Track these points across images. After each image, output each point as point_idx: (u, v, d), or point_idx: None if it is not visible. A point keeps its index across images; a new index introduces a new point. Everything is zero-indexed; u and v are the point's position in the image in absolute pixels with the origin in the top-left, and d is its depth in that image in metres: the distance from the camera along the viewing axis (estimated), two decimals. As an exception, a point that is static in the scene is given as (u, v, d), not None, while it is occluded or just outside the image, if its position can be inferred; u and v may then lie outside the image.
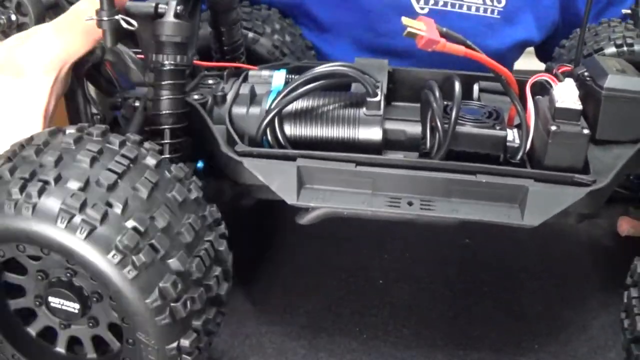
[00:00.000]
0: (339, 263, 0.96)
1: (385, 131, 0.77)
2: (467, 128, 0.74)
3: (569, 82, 0.74)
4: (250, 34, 1.04)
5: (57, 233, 0.61)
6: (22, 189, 0.61)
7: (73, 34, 0.75)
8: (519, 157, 0.75)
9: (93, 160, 0.64)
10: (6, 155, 0.66)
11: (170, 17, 0.72)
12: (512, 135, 0.76)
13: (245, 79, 0.85)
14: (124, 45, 0.80)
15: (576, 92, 0.73)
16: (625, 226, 0.97)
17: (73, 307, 0.68)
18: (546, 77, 0.77)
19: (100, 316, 0.70)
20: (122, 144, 0.67)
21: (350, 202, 0.72)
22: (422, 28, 0.71)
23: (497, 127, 0.75)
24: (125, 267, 0.60)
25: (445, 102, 0.76)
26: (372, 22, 1.20)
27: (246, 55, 0.99)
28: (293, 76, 0.84)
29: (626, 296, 0.71)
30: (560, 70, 0.83)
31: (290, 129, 0.77)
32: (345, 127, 0.76)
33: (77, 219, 0.60)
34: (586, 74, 0.79)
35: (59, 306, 0.69)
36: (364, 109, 0.76)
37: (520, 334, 0.85)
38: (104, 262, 0.61)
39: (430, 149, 0.75)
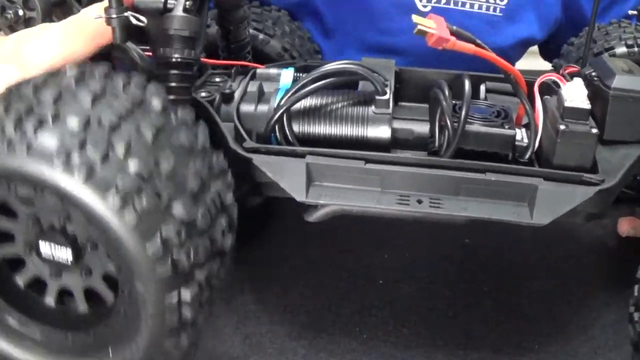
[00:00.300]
0: (339, 263, 0.95)
1: (393, 130, 0.76)
2: (476, 127, 0.74)
3: (578, 82, 0.74)
4: (261, 36, 1.03)
5: (53, 173, 0.56)
6: (17, 125, 0.57)
7: (79, 36, 0.74)
8: (527, 156, 0.75)
9: (95, 99, 0.59)
10: (1, 95, 0.62)
11: (179, 11, 0.71)
12: (520, 134, 0.76)
13: (253, 77, 0.85)
14: (132, 42, 0.80)
15: (585, 92, 0.73)
16: (625, 227, 0.97)
17: (65, 255, 0.65)
18: (554, 77, 0.77)
19: (94, 266, 0.66)
20: (127, 84, 0.63)
21: (359, 200, 0.71)
22: (432, 26, 0.70)
23: (506, 126, 0.75)
24: (125, 211, 0.57)
25: (453, 102, 0.76)
26: (376, 21, 1.20)
27: (255, 56, 0.98)
28: (301, 74, 0.84)
29: (637, 290, 0.70)
30: (567, 71, 0.83)
31: (298, 127, 0.76)
32: (354, 125, 0.75)
33: (75, 159, 0.56)
34: (594, 74, 0.79)
35: (50, 254, 0.65)
36: (373, 107, 0.76)
37: (520, 334, 0.84)
38: (103, 206, 0.56)
39: (439, 147, 0.75)
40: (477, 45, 0.73)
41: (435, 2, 1.17)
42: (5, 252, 0.69)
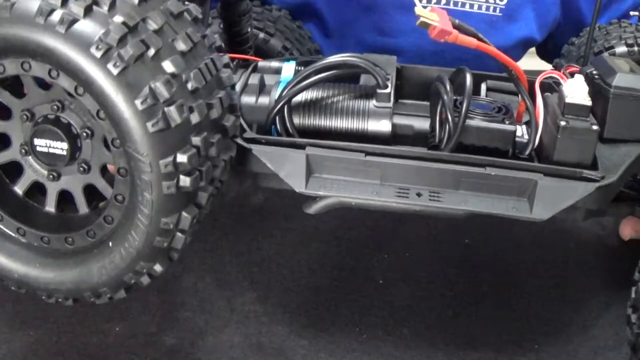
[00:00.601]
0: (339, 263, 0.95)
1: (393, 125, 0.76)
2: (477, 122, 0.74)
3: (579, 79, 0.74)
4: (262, 34, 1.03)
5: (35, 31, 0.56)
6: None
7: None
8: (527, 152, 0.75)
9: None
10: None
11: None
12: (521, 130, 0.76)
13: (254, 70, 0.85)
14: None
15: (586, 88, 0.73)
16: (628, 230, 0.96)
17: (61, 147, 0.63)
18: (555, 74, 0.77)
19: (91, 158, 0.65)
20: None
21: (358, 192, 0.71)
22: (435, 18, 0.70)
23: (507, 122, 0.75)
24: (110, 61, 0.55)
25: (454, 97, 0.75)
26: (377, 22, 1.20)
27: (256, 55, 0.98)
28: (303, 67, 0.84)
29: (634, 291, 0.71)
30: (568, 71, 0.83)
31: (299, 119, 0.76)
32: (355, 119, 0.76)
33: (58, 13, 0.56)
34: (595, 72, 0.79)
35: (46, 149, 0.64)
36: (374, 100, 0.76)
37: (520, 334, 0.84)
38: (85, 58, 0.55)
39: (439, 141, 0.75)
40: (479, 39, 0.73)
41: (435, 3, 1.18)
42: (2, 158, 0.68)
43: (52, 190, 0.69)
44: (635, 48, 0.99)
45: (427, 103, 0.81)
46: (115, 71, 0.56)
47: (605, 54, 0.95)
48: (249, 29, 0.94)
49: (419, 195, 0.71)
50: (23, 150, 0.67)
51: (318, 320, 0.86)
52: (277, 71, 0.84)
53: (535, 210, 0.70)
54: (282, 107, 0.75)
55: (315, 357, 0.81)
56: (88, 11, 0.56)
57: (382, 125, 0.75)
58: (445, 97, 0.74)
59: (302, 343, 0.82)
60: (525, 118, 0.78)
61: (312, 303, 0.88)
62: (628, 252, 0.85)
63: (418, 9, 0.71)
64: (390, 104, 0.76)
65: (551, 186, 0.70)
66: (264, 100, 0.78)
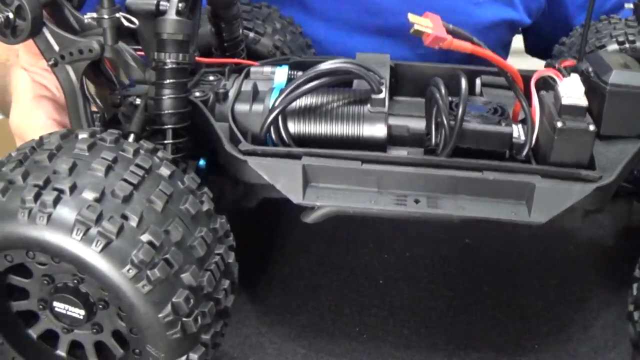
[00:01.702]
0: (339, 263, 0.94)
1: (388, 127, 0.75)
2: (473, 125, 0.73)
3: (575, 78, 0.73)
4: (251, 34, 1.02)
5: (72, 244, 0.59)
6: (37, 196, 0.60)
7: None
8: (524, 153, 0.74)
9: (108, 169, 0.62)
10: (17, 158, 0.64)
11: (172, 15, 0.70)
12: (517, 131, 0.75)
13: (247, 76, 0.84)
14: (124, 43, 0.78)
15: (582, 88, 0.72)
16: None
17: (78, 313, 0.67)
18: (551, 72, 0.76)
19: (104, 323, 0.68)
20: (136, 152, 0.66)
21: (356, 201, 0.71)
22: (428, 25, 0.70)
23: (503, 124, 0.74)
24: (140, 281, 0.60)
25: (450, 99, 0.75)
26: (361, 1, 1.17)
27: (247, 54, 0.97)
28: (296, 72, 0.83)
29: (635, 289, 0.70)
30: (563, 65, 0.83)
31: (293, 127, 0.76)
32: (350, 124, 0.75)
33: (93, 231, 0.59)
34: (590, 69, 0.78)
35: (64, 311, 0.67)
36: (369, 105, 0.75)
37: (520, 334, 0.83)
38: (119, 276, 0.59)
39: (436, 145, 0.74)
40: (474, 43, 0.72)
41: None
42: (19, 307, 0.70)
43: (65, 339, 0.71)
44: (627, 45, 0.97)
45: (421, 100, 0.80)
46: (144, 291, 0.60)
47: (601, 50, 0.94)
48: (240, 32, 0.92)
49: (417, 202, 0.71)
50: (41, 306, 0.68)
51: (318, 320, 0.85)
52: (270, 76, 0.82)
53: (533, 213, 0.70)
54: (277, 116, 0.74)
55: (315, 357, 0.80)
56: (120, 231, 0.59)
57: (378, 130, 0.75)
58: (441, 102, 0.73)
59: (302, 343, 0.81)
60: (521, 116, 0.77)
61: (312, 303, 0.87)
62: (627, 252, 0.85)
63: (411, 16, 0.70)
64: (385, 109, 0.75)
65: (549, 188, 0.70)
66: (257, 107, 0.77)
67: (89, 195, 0.60)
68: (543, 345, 0.82)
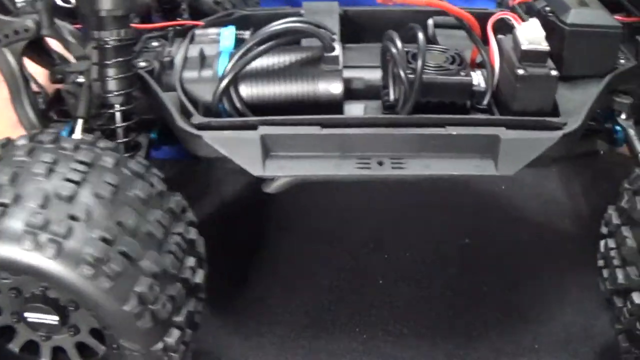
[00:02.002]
0: (339, 263, 0.88)
1: (345, 81, 0.68)
2: (433, 77, 0.66)
3: (534, 22, 0.66)
4: None
5: (24, 255, 0.55)
6: None
7: None
8: (485, 101, 0.67)
9: (49, 172, 0.57)
10: None
11: None
12: (477, 79, 0.68)
13: (192, 40, 0.75)
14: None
15: (542, 33, 0.65)
16: None
17: (52, 319, 0.62)
18: (508, 15, 0.69)
19: (80, 323, 0.64)
20: (77, 147, 0.59)
21: (318, 168, 0.65)
22: None
23: (462, 73, 0.66)
24: (99, 278, 0.55)
25: (406, 49, 0.66)
26: None
27: (189, 13, 0.89)
28: (243, 32, 0.74)
29: (603, 246, 0.66)
30: (517, 1, 0.75)
31: (246, 92, 0.68)
32: (304, 84, 0.68)
33: (43, 238, 0.54)
34: (547, 8, 0.71)
35: (38, 320, 0.63)
36: (322, 64, 0.68)
37: (520, 334, 0.79)
38: (77, 278, 0.55)
39: (395, 100, 0.66)
40: None
41: None
42: None
43: (46, 346, 0.67)
44: None
45: (375, 45, 0.72)
46: (105, 287, 0.56)
47: None
48: None
49: (380, 164, 0.65)
50: (15, 319, 0.65)
51: (318, 320, 0.80)
52: (216, 39, 0.75)
53: (500, 166, 0.64)
54: (229, 84, 0.66)
55: (315, 357, 0.76)
56: (70, 232, 0.55)
57: (334, 88, 0.68)
58: (398, 56, 0.65)
59: (302, 343, 0.77)
60: (479, 59, 0.70)
61: (312, 303, 0.82)
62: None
63: None
64: (340, 66, 0.68)
65: (515, 139, 0.64)
66: (206, 74, 0.70)
67: (33, 202, 0.55)
68: (543, 345, 0.78)
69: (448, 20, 0.76)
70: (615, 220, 0.64)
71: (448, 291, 0.86)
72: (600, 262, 0.66)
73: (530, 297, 0.86)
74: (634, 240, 0.61)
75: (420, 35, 0.65)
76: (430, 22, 0.78)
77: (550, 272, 0.93)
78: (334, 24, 0.72)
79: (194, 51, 0.72)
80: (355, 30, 0.79)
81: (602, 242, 0.66)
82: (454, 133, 0.64)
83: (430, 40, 0.78)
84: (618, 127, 0.76)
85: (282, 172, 0.64)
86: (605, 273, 0.65)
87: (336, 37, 0.68)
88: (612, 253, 0.63)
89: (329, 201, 0.94)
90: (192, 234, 0.64)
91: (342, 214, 0.97)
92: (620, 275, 0.63)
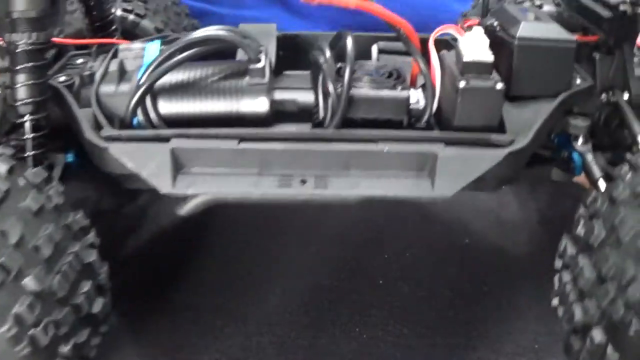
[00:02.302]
0: (339, 263, 0.87)
1: (274, 102, 0.63)
2: (364, 90, 0.61)
3: (478, 31, 0.61)
4: (131, 16, 0.89)
5: None
6: None
7: None
8: (424, 119, 0.62)
9: None
10: None
11: None
12: (416, 96, 0.63)
13: (115, 55, 0.71)
14: None
15: (486, 42, 0.60)
16: None
17: None
18: (452, 29, 0.64)
19: None
20: None
21: (234, 186, 0.59)
22: None
23: (398, 88, 0.61)
24: None
25: (339, 65, 0.62)
26: None
27: (128, 39, 0.83)
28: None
29: (557, 280, 0.60)
30: (466, 24, 0.69)
31: (165, 106, 0.63)
32: (228, 99, 0.63)
33: None
34: (495, 23, 0.66)
35: None
36: (247, 77, 0.63)
37: (520, 334, 0.78)
38: None
39: (323, 117, 0.61)
40: None
41: None
42: None
43: None
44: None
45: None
46: None
47: (507, 3, 0.79)
48: (112, 11, 0.80)
49: (303, 182, 0.60)
50: None
51: (318, 320, 0.79)
52: (140, 54, 0.70)
53: (437, 187, 0.59)
54: (143, 94, 0.62)
55: (315, 357, 0.75)
56: None
57: (259, 105, 0.63)
58: (325, 66, 0.60)
59: (302, 343, 0.76)
60: (421, 81, 0.64)
61: (312, 303, 0.81)
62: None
63: None
64: (266, 80, 0.62)
65: (454, 157, 0.59)
66: (124, 88, 0.65)
67: None
68: (543, 345, 0.77)
69: (394, 46, 0.71)
70: (571, 250, 0.58)
71: (448, 291, 0.85)
72: (555, 301, 0.60)
73: (530, 297, 0.85)
74: (592, 270, 0.54)
75: (349, 42, 0.61)
76: (374, 48, 0.73)
77: (551, 272, 0.94)
78: (270, 48, 0.67)
79: (114, 65, 0.68)
80: (294, 55, 0.73)
81: (556, 278, 0.60)
82: (385, 150, 0.58)
83: None
84: (575, 155, 0.69)
85: (192, 189, 0.59)
86: (560, 311, 0.57)
87: (264, 49, 0.63)
88: (568, 287, 0.56)
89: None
90: (91, 256, 0.58)
91: (341, 214, 0.97)
92: (577, 311, 0.55)
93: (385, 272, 0.87)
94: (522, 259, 0.92)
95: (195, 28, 0.95)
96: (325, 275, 0.86)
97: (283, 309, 0.80)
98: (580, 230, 0.57)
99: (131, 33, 0.87)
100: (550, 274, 0.93)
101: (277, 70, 0.66)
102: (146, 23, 0.89)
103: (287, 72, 0.71)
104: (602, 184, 0.64)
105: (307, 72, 0.68)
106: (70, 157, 0.67)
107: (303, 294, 0.83)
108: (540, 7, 0.86)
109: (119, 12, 0.86)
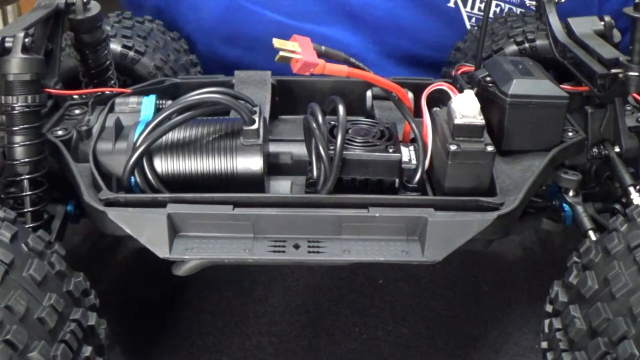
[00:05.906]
0: None
1: (269, 155, 0.66)
2: (357, 153, 0.63)
3: (469, 94, 0.62)
4: (131, 53, 0.91)
5: None
6: None
7: None
8: (416, 180, 0.63)
9: None
10: None
11: (17, 54, 0.62)
12: (407, 155, 0.64)
13: (112, 109, 0.73)
14: None
15: (477, 105, 0.61)
16: None
17: None
18: (444, 86, 0.65)
19: None
20: None
21: (229, 251, 0.61)
22: (296, 50, 0.60)
23: (390, 150, 0.63)
24: None
25: (331, 123, 0.64)
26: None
27: (127, 76, 0.88)
28: (164, 102, 0.72)
29: (547, 326, 0.60)
30: (460, 71, 0.72)
31: (161, 166, 0.65)
32: (223, 159, 0.65)
33: None
34: (488, 78, 0.68)
35: None
36: (242, 137, 0.65)
37: (520, 334, 0.79)
38: None
39: (317, 178, 0.63)
40: (351, 64, 0.63)
41: None
42: None
43: None
44: (526, 45, 0.87)
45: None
46: None
47: (500, 56, 0.82)
48: (108, 57, 0.81)
49: (296, 247, 0.61)
50: None
51: (318, 320, 0.81)
52: (136, 108, 0.72)
53: (427, 251, 0.60)
54: (140, 157, 0.63)
55: (315, 357, 0.76)
56: None
57: (253, 164, 0.65)
58: (317, 132, 0.62)
59: (302, 343, 0.78)
60: (413, 135, 0.66)
61: (312, 303, 0.83)
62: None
63: (277, 41, 0.60)
64: (260, 141, 0.64)
65: (444, 222, 0.60)
66: (121, 146, 0.66)
67: None
68: None
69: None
70: (562, 297, 0.59)
71: (448, 291, 0.86)
72: (544, 345, 0.61)
73: (530, 297, 0.86)
74: (583, 322, 0.55)
75: (341, 109, 0.63)
76: (368, 93, 0.75)
77: (551, 272, 0.93)
78: (265, 94, 0.70)
79: (111, 121, 0.69)
80: (290, 101, 0.76)
81: (546, 322, 0.61)
82: (377, 215, 0.60)
83: (368, 112, 0.75)
84: (565, 205, 0.71)
85: (189, 254, 0.61)
86: (549, 357, 0.59)
87: (258, 109, 0.65)
88: (558, 335, 0.57)
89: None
90: (92, 319, 0.59)
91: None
92: None
93: (385, 272, 0.87)
94: (522, 259, 0.92)
95: (194, 64, 0.99)
96: (325, 275, 0.86)
97: (283, 309, 0.81)
98: (572, 279, 0.59)
99: (130, 70, 0.90)
100: (550, 274, 0.92)
101: (273, 115, 0.68)
102: (145, 60, 0.92)
103: (283, 117, 0.74)
104: (592, 235, 0.66)
105: (302, 117, 0.69)
106: (70, 207, 0.70)
107: (303, 294, 0.83)
108: (533, 40, 0.88)
109: (118, 49, 0.88)
